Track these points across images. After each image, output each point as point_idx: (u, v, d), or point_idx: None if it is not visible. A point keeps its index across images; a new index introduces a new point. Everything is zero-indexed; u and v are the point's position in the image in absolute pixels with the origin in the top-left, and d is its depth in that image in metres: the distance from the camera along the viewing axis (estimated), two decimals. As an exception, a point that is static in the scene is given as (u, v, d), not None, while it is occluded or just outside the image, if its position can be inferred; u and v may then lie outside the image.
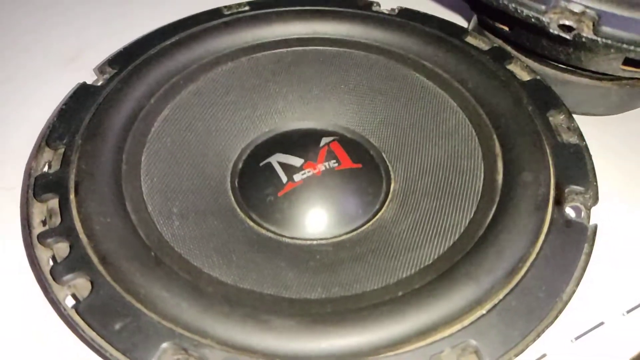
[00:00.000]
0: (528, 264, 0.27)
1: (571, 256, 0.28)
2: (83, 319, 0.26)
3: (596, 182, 0.31)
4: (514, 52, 0.37)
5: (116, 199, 0.29)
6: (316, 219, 0.32)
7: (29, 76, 0.43)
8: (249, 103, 0.36)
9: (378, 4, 0.40)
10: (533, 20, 0.31)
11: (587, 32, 0.31)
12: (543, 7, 0.31)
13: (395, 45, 0.37)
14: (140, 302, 0.26)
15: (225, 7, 0.39)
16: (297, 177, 0.33)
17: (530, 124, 0.32)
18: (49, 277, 0.27)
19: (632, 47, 0.30)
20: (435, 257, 0.29)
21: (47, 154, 0.32)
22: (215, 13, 0.39)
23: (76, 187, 0.30)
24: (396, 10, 0.39)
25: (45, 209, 0.30)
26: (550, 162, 0.31)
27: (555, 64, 0.37)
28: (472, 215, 0.30)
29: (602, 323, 0.31)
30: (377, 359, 0.25)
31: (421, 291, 0.26)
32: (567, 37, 0.31)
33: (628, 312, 0.31)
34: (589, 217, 0.29)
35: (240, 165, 0.34)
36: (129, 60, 0.36)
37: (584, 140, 0.32)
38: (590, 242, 0.28)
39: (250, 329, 0.25)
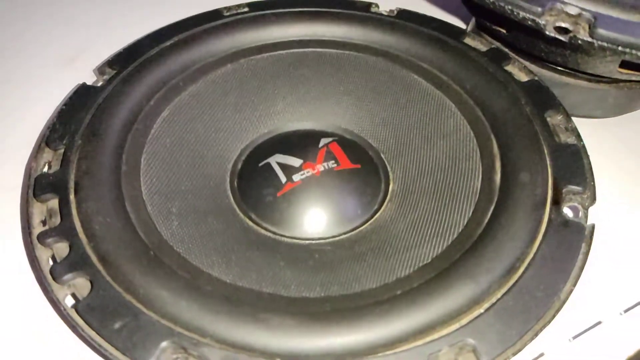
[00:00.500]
0: (526, 263, 0.27)
1: (569, 256, 0.28)
2: (83, 318, 0.26)
3: (594, 182, 0.31)
4: (511, 54, 0.38)
5: (116, 199, 0.29)
6: (315, 219, 0.32)
7: (28, 76, 0.44)
8: (249, 104, 0.36)
9: (377, 6, 0.40)
10: (529, 22, 0.32)
11: (583, 35, 0.31)
12: (539, 10, 0.31)
13: (394, 47, 0.37)
14: (139, 301, 0.26)
15: (224, 8, 0.39)
16: (296, 178, 0.33)
17: (528, 125, 0.32)
18: (49, 276, 0.27)
19: (627, 50, 0.30)
20: (434, 256, 0.29)
21: (47, 154, 0.32)
22: (215, 14, 0.39)
23: (76, 187, 0.30)
24: (395, 12, 0.40)
25: (45, 209, 0.30)
26: (548, 162, 0.31)
27: (553, 66, 0.37)
28: (470, 215, 0.30)
29: (599, 322, 0.31)
30: (376, 358, 0.25)
31: (419, 290, 0.26)
32: (563, 39, 0.31)
33: (625, 311, 0.31)
34: (586, 217, 0.29)
35: (239, 166, 0.34)
36: (129, 61, 0.36)
37: (581, 140, 0.32)
38: (588, 241, 0.29)
39: (249, 328, 0.25)
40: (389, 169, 0.34)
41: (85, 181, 0.30)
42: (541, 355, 0.29)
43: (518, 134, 0.32)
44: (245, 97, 0.36)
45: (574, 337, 0.30)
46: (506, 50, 0.38)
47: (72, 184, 0.30)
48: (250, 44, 0.37)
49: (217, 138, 0.35)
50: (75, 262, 0.27)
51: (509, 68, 0.36)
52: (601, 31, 0.30)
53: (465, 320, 0.26)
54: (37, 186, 0.30)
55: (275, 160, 0.34)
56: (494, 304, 0.26)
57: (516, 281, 0.27)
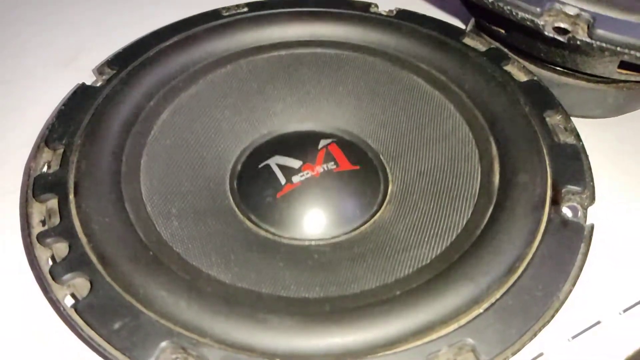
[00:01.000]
0: (525, 263, 0.27)
1: (568, 255, 0.28)
2: (82, 318, 0.26)
3: (593, 182, 0.31)
4: (511, 54, 0.38)
5: (115, 199, 0.29)
6: (314, 220, 0.32)
7: (28, 77, 0.43)
8: (248, 105, 0.36)
9: (376, 6, 0.40)
10: (528, 22, 0.32)
11: (581, 35, 0.31)
12: (538, 10, 0.31)
13: (393, 47, 0.37)
14: (139, 302, 0.26)
15: (224, 8, 0.40)
16: (296, 179, 0.33)
17: (527, 125, 0.32)
18: (48, 276, 0.27)
19: (626, 50, 0.30)
20: (433, 257, 0.29)
21: (46, 155, 0.32)
22: (214, 14, 0.39)
23: (75, 187, 0.30)
24: (394, 12, 0.40)
25: (44, 209, 0.30)
26: (547, 162, 0.31)
27: (552, 66, 0.37)
28: (469, 215, 0.30)
29: (598, 322, 0.31)
30: (375, 358, 0.25)
31: (419, 290, 0.27)
32: (562, 39, 0.31)
33: (624, 311, 0.31)
34: (585, 217, 0.30)
35: (239, 167, 0.34)
36: (128, 62, 0.36)
37: (580, 140, 0.33)
38: (587, 241, 0.29)
39: (249, 328, 0.25)
40: (388, 170, 0.34)
41: (84, 181, 0.30)
42: (540, 355, 0.30)
43: (517, 135, 0.32)
44: (244, 98, 0.36)
45: (573, 337, 0.30)
46: (505, 50, 0.38)
47: (71, 184, 0.30)
48: (250, 44, 0.37)
49: (217, 139, 0.35)
50: (75, 262, 0.27)
51: (508, 68, 0.36)
52: (600, 31, 0.30)
53: (464, 320, 0.26)
54: (36, 186, 0.30)
55: (274, 161, 0.34)
56: (493, 304, 0.26)
57: (515, 281, 0.27)
